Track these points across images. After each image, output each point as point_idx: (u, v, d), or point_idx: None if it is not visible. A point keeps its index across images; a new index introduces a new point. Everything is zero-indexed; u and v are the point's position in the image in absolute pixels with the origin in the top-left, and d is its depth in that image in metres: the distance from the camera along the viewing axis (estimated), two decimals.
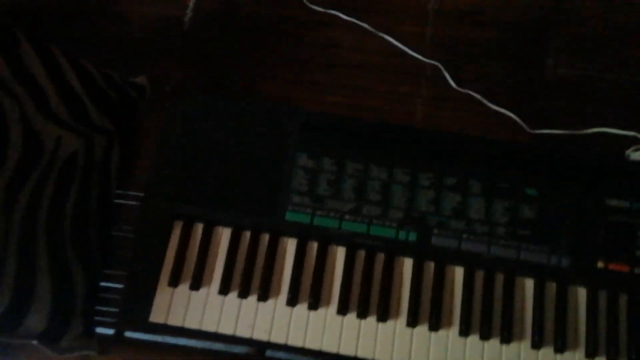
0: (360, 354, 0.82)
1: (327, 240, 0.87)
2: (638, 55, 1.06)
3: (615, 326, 0.82)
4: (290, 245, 0.87)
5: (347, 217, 0.87)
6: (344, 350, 0.82)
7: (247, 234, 0.88)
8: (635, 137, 0.94)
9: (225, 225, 0.88)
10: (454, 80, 1.05)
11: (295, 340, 0.82)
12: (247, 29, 1.09)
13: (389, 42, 1.08)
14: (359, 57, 1.08)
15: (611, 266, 0.83)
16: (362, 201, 0.87)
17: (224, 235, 0.88)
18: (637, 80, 1.05)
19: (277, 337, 0.82)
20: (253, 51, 1.07)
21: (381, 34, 1.08)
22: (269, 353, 0.86)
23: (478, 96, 1.04)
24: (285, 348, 0.82)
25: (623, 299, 0.84)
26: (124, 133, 1.00)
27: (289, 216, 0.86)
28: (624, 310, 0.83)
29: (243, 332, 0.83)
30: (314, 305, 0.84)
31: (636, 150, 0.93)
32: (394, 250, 0.86)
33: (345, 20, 1.09)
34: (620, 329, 0.82)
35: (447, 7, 1.11)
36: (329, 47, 1.08)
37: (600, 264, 0.83)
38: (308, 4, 1.09)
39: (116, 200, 0.96)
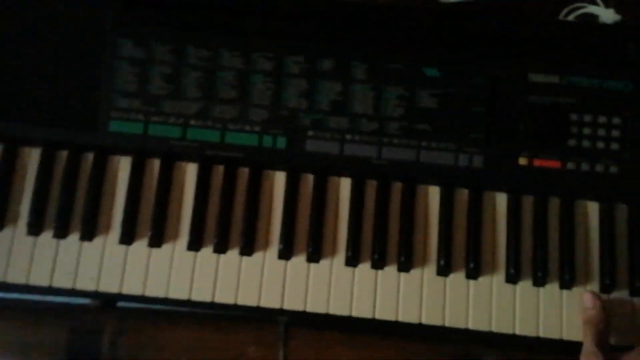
0: (218, 299, 0.63)
1: (170, 155, 0.66)
2: None
3: (544, 242, 0.64)
4: (122, 166, 0.66)
5: (192, 122, 0.65)
6: (197, 296, 0.63)
7: (64, 155, 0.66)
8: None
9: (33, 144, 0.65)
10: None
11: (132, 288, 0.63)
12: None
13: None
14: None
15: (537, 162, 0.64)
16: (212, 100, 0.65)
17: (32, 158, 0.65)
18: None
19: (109, 285, 0.63)
20: None
21: None
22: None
23: None
24: (122, 297, 0.63)
25: (554, 205, 0.65)
26: None
27: (114, 126, 0.64)
28: (556, 220, 0.65)
29: (62, 281, 0.63)
30: (156, 242, 0.64)
31: (572, 10, 0.72)
32: (260, 162, 0.66)
33: None
34: (551, 245, 0.64)
35: None
36: None
37: (522, 161, 0.64)
38: None
39: None
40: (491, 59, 0.65)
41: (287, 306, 0.63)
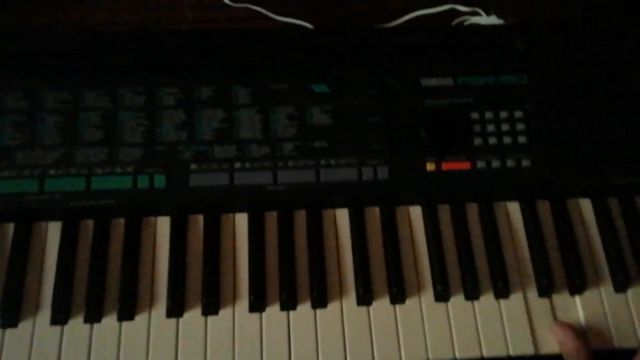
0: None
1: (27, 214, 0.55)
2: None
3: (469, 251, 0.56)
4: None
5: (51, 171, 0.55)
6: None
7: None
8: (453, 9, 0.72)
9: None
10: None
11: None
12: None
13: None
14: None
15: (445, 166, 0.58)
16: (74, 144, 0.56)
17: None
18: None
19: None
20: None
21: None
22: None
23: (259, 9, 0.79)
24: None
25: (473, 210, 0.59)
26: None
27: None
28: (477, 227, 0.58)
29: None
30: (10, 322, 0.52)
31: (464, 19, 0.71)
32: (137, 207, 0.56)
33: None
34: (477, 254, 0.56)
35: None
36: None
37: (430, 166, 0.58)
38: None
39: None
40: (380, 69, 0.61)
41: None
